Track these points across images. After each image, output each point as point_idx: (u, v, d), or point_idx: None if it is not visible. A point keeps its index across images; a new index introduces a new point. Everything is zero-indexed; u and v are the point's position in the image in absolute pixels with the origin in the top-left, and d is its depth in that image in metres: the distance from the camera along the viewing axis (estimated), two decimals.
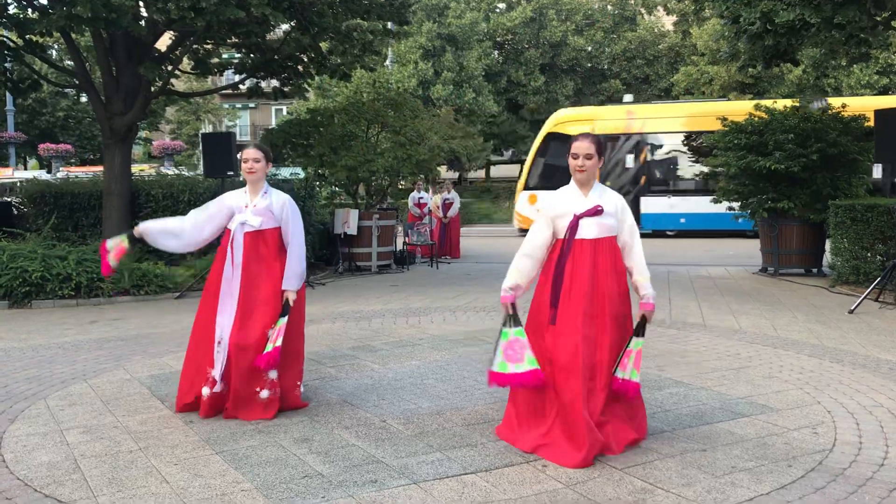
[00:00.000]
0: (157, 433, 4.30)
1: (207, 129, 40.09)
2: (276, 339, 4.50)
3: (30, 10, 11.06)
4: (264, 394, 4.52)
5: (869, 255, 9.76)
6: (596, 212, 3.97)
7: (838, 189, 11.39)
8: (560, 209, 4.03)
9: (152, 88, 12.08)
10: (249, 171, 4.70)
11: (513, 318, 3.95)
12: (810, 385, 5.18)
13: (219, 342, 4.61)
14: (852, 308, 8.23)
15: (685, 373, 5.57)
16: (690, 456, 3.79)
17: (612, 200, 4.05)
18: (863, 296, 8.48)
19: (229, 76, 27.19)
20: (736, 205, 12.48)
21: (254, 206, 4.71)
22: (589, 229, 3.96)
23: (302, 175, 14.26)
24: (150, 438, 4.21)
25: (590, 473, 3.59)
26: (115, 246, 4.92)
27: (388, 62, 32.60)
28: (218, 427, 4.39)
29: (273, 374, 4.54)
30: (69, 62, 20.96)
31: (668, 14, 39.49)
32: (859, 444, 3.99)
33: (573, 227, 3.97)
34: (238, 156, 9.04)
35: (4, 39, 11.62)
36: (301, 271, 4.69)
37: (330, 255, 13.59)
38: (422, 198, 16.38)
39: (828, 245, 11.11)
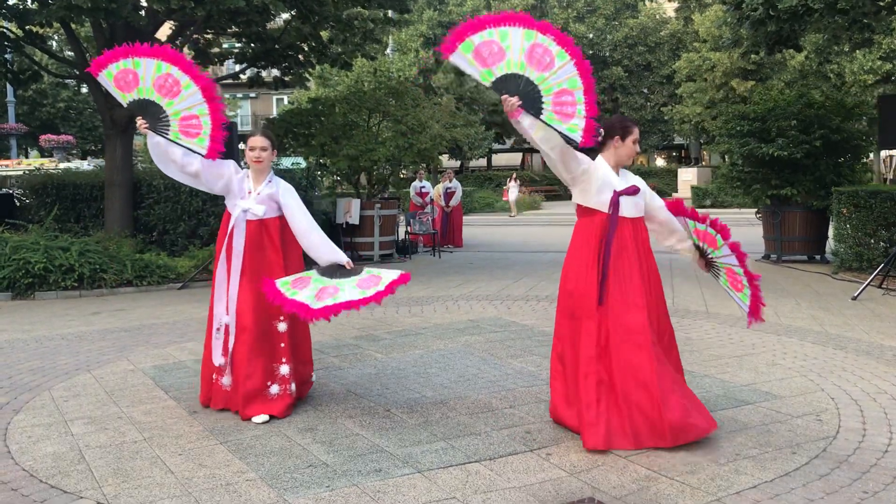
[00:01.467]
0: (161, 423, 4.31)
1: None
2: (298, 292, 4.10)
3: (30, 0, 11.02)
4: (274, 389, 4.41)
5: (872, 241, 9.74)
6: (634, 190, 3.99)
7: (841, 175, 11.37)
8: (598, 177, 3.94)
9: None
10: (257, 160, 4.48)
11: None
12: (814, 372, 5.18)
13: (217, 329, 4.52)
14: (855, 295, 8.22)
15: (688, 360, 5.56)
16: (695, 443, 3.79)
17: (639, 181, 4.09)
18: (866, 282, 8.47)
19: (230, 66, 27.09)
20: None
21: (257, 193, 4.50)
22: (628, 208, 3.96)
23: (303, 165, 14.24)
24: (154, 429, 4.22)
25: (594, 461, 3.60)
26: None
27: (388, 51, 32.51)
28: (222, 417, 4.40)
29: (285, 370, 4.41)
30: (69, 53, 20.92)
31: (669, 0, 39.30)
32: (863, 431, 3.99)
33: (615, 203, 3.93)
34: (240, 145, 9.01)
35: (4, 30, 11.59)
36: (332, 246, 4.43)
37: None
38: (423, 187, 16.36)
39: (831, 231, 11.09)
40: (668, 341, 4.04)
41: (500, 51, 3.78)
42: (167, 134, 4.43)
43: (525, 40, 3.78)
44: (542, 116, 3.74)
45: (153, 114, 4.44)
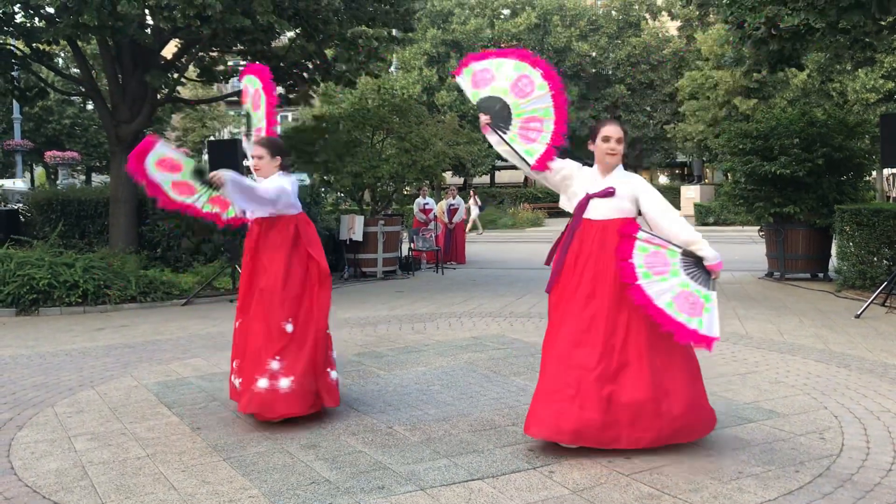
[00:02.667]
0: (164, 440, 4.32)
1: (215, 134, 40.23)
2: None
3: (37, 18, 11.12)
4: (262, 383, 4.41)
5: (875, 259, 9.74)
6: (607, 193, 4.00)
7: (844, 193, 11.38)
8: (577, 182, 4.13)
9: (158, 96, 12.14)
10: (256, 169, 4.79)
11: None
12: (817, 390, 5.18)
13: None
14: (859, 313, 8.21)
15: None
16: (697, 461, 3.79)
17: (630, 183, 4.06)
18: (869, 300, 8.46)
19: (235, 83, 27.23)
20: None
21: None
22: (597, 210, 4.02)
23: (307, 181, 14.30)
24: (157, 445, 4.22)
25: (597, 479, 3.59)
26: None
27: (392, 68, 32.68)
28: (225, 434, 4.40)
29: (275, 365, 4.43)
30: (75, 70, 21.06)
31: (672, 19, 39.46)
32: (867, 449, 3.98)
33: (582, 205, 4.05)
34: (245, 162, 9.09)
35: (12, 48, 11.69)
36: (247, 185, 4.42)
37: (335, 262, 13.61)
38: (427, 203, 16.41)
39: (834, 249, 11.09)
40: (640, 351, 3.90)
41: (491, 77, 4.33)
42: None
43: (514, 70, 4.30)
44: (506, 136, 4.22)
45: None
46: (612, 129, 4.06)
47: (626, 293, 3.90)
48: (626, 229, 3.99)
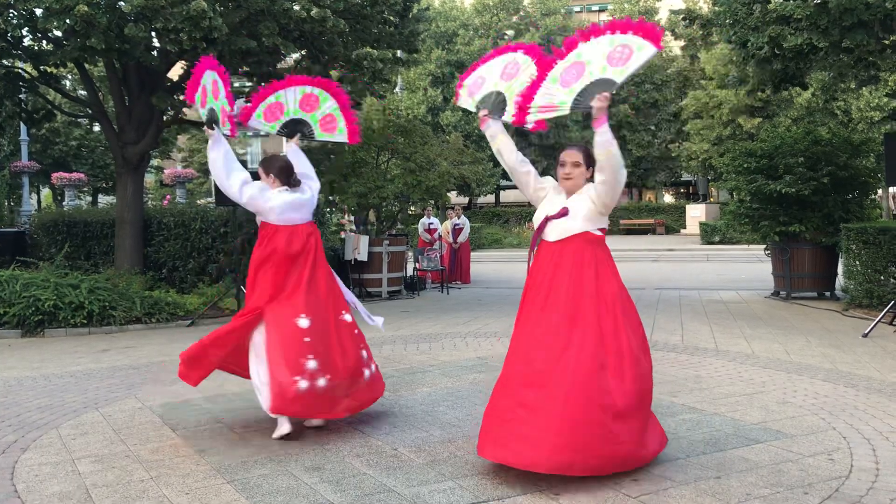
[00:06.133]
0: (168, 462, 4.30)
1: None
2: None
3: (44, 42, 11.22)
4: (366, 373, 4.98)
5: (882, 278, 9.70)
6: (562, 214, 4.06)
7: (850, 212, 11.36)
8: (546, 201, 4.21)
9: (164, 118, 12.21)
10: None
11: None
12: (825, 410, 5.14)
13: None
14: (866, 332, 8.17)
15: (698, 399, 5.53)
16: (704, 483, 3.75)
17: (583, 196, 4.06)
18: (877, 319, 8.42)
19: (240, 105, 27.35)
20: None
21: None
22: (553, 232, 4.07)
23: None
24: (161, 467, 4.20)
25: (603, 502, 3.56)
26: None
27: (397, 89, 32.83)
28: (229, 456, 4.38)
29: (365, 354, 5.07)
30: (82, 92, 21.22)
31: (675, 39, 39.65)
32: (876, 470, 3.94)
33: (540, 229, 4.14)
34: None
35: (20, 71, 11.79)
36: (225, 156, 5.04)
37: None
38: (432, 223, 16.42)
39: (840, 268, 11.05)
40: (617, 365, 3.85)
41: (482, 82, 4.52)
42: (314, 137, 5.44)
43: (501, 63, 4.49)
44: (504, 117, 4.32)
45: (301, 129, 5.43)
46: (565, 154, 4.13)
47: (579, 309, 3.92)
48: (585, 238, 4.05)
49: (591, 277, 3.96)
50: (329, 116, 5.41)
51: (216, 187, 11.13)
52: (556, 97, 4.09)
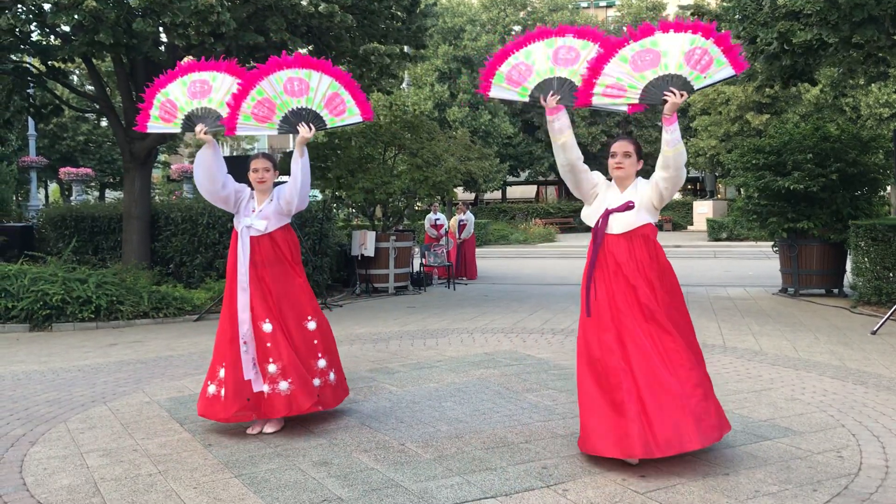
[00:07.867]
0: (176, 456, 4.31)
1: (226, 151, 40.45)
2: None
3: (53, 37, 11.24)
4: (316, 382, 4.82)
5: (891, 275, 9.65)
6: (627, 207, 4.10)
7: (858, 209, 11.31)
8: (601, 196, 4.20)
9: None
10: (260, 181, 4.85)
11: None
12: (834, 407, 5.12)
13: (244, 342, 4.69)
14: (875, 329, 8.13)
15: None
16: (713, 480, 3.74)
17: (642, 189, 4.15)
18: (886, 316, 8.38)
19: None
20: None
21: (260, 210, 4.83)
22: (617, 225, 4.10)
23: (319, 197, 14.34)
24: (169, 461, 4.21)
25: (611, 498, 3.55)
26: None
27: (404, 84, 32.83)
28: (237, 450, 4.39)
29: (322, 364, 4.86)
30: (90, 87, 21.26)
31: None
32: (885, 467, 3.92)
33: (604, 220, 4.13)
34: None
35: (28, 66, 11.81)
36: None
37: (347, 277, 13.63)
38: (438, 219, 16.42)
39: (849, 265, 11.00)
40: (683, 356, 3.97)
41: (527, 68, 4.22)
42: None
43: (547, 48, 4.19)
44: (594, 101, 4.09)
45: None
46: (616, 145, 4.21)
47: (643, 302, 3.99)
48: (647, 230, 4.12)
49: (665, 275, 4.13)
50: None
51: None
52: (625, 80, 4.05)
